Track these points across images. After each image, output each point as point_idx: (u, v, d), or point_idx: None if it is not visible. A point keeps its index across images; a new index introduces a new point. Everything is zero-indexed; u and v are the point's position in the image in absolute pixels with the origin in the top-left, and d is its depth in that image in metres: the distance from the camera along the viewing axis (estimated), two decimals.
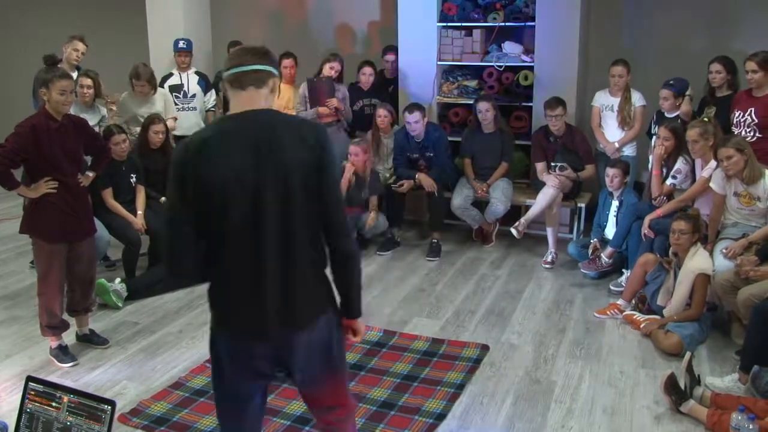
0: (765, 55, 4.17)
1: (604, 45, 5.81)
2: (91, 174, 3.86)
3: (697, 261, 3.74)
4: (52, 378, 3.33)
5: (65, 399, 1.97)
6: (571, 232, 5.49)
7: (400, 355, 3.66)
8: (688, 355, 3.20)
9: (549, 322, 4.06)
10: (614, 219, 4.71)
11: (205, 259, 1.88)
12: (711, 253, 3.87)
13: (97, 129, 4.67)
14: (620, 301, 4.14)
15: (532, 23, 5.43)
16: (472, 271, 4.94)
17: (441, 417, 3.06)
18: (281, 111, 5.31)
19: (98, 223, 4.13)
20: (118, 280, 4.40)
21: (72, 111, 3.75)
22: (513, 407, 3.15)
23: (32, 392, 2.02)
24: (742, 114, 4.23)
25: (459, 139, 5.58)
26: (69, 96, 3.40)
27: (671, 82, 4.69)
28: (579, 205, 5.24)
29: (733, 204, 3.92)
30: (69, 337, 3.75)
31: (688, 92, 4.67)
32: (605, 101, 5.17)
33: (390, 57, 6.05)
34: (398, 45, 5.92)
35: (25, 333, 3.95)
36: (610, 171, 4.65)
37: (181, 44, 5.74)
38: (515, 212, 5.31)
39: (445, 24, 5.74)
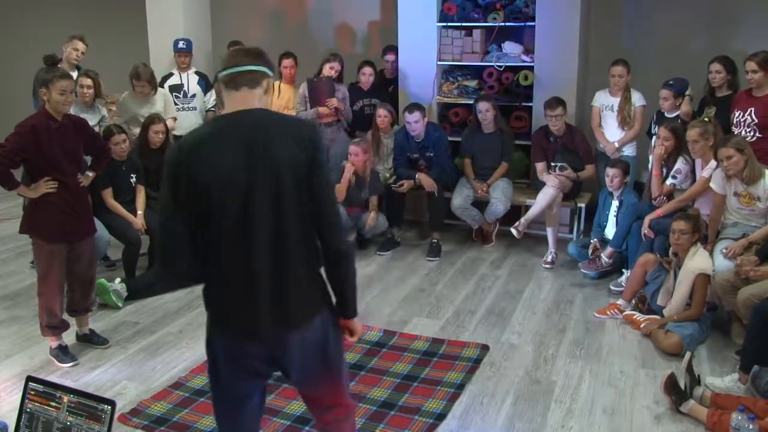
0: (765, 55, 4.17)
1: (604, 45, 5.81)
2: (91, 174, 3.87)
3: (697, 261, 3.74)
4: (52, 378, 3.33)
5: (65, 399, 1.97)
6: (571, 232, 5.49)
7: (400, 355, 3.66)
8: (688, 355, 3.20)
9: (549, 322, 4.06)
10: (614, 219, 4.71)
11: (200, 259, 1.89)
12: (711, 253, 3.87)
13: (97, 129, 4.67)
14: (620, 301, 4.14)
15: (532, 23, 5.43)
16: (472, 271, 4.94)
17: (441, 417, 3.06)
18: (281, 111, 5.28)
19: (98, 223, 4.13)
20: (118, 280, 4.40)
21: (72, 111, 3.75)
22: (513, 407, 3.15)
23: (32, 392, 2.02)
24: (742, 114, 4.23)
25: (459, 139, 5.58)
26: (69, 96, 3.40)
27: (671, 82, 4.69)
28: (579, 205, 5.24)
29: (733, 204, 3.92)
30: (69, 337, 3.75)
31: (688, 92, 4.68)
32: (605, 101, 5.17)
33: (390, 57, 6.05)
34: (398, 45, 5.93)
35: (25, 333, 3.95)
36: (610, 171, 4.65)
37: (180, 44, 5.74)
38: (515, 212, 5.31)
39: (445, 24, 5.74)
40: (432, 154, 5.37)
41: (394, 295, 4.51)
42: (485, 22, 5.63)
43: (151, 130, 4.81)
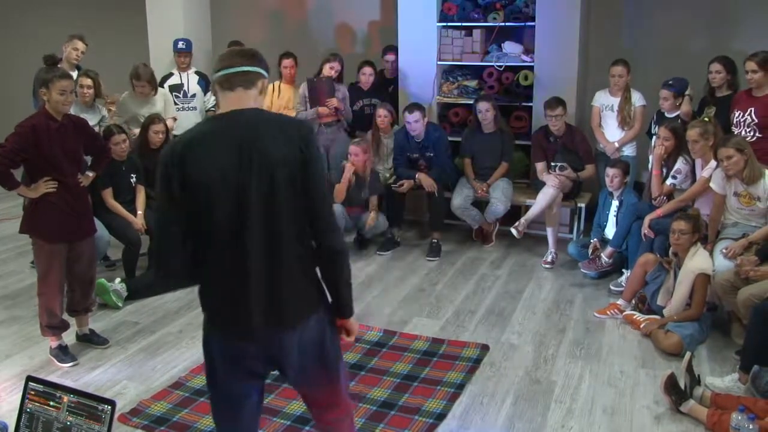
0: (765, 55, 4.17)
1: (604, 45, 5.82)
2: (91, 174, 3.87)
3: (697, 261, 3.74)
4: (52, 378, 3.33)
5: (65, 399, 1.97)
6: (571, 232, 5.49)
7: (400, 355, 3.66)
8: (688, 355, 3.20)
9: (549, 322, 4.06)
10: (614, 219, 4.71)
11: (194, 259, 1.89)
12: (711, 253, 3.87)
13: (97, 129, 4.67)
14: (620, 301, 4.14)
15: (532, 23, 5.43)
16: (472, 271, 4.94)
17: (441, 417, 3.06)
18: (281, 111, 5.28)
19: (98, 223, 4.13)
20: (118, 280, 4.40)
21: (72, 111, 3.75)
22: (513, 407, 3.15)
23: (32, 392, 2.02)
24: (742, 114, 4.23)
25: (459, 139, 5.57)
26: (69, 96, 3.40)
27: (671, 82, 4.69)
28: (579, 205, 5.24)
29: (733, 204, 3.92)
30: (69, 337, 3.75)
31: (688, 92, 4.68)
32: (605, 101, 5.17)
33: (390, 57, 6.05)
34: (398, 45, 5.93)
35: (25, 333, 3.95)
36: (610, 171, 4.65)
37: (180, 45, 5.74)
38: (515, 212, 5.31)
39: (445, 24, 5.74)
40: (432, 154, 5.37)
41: (394, 295, 4.51)
42: (485, 22, 5.63)
43: (151, 130, 4.81)
